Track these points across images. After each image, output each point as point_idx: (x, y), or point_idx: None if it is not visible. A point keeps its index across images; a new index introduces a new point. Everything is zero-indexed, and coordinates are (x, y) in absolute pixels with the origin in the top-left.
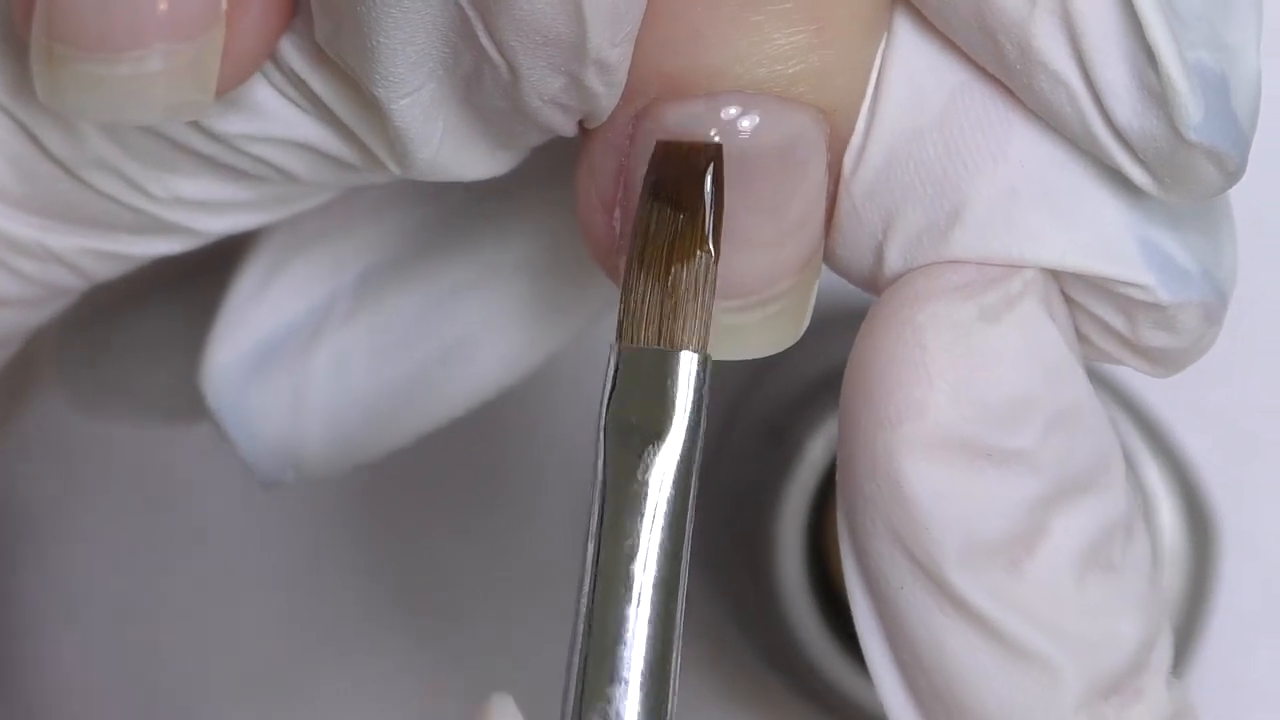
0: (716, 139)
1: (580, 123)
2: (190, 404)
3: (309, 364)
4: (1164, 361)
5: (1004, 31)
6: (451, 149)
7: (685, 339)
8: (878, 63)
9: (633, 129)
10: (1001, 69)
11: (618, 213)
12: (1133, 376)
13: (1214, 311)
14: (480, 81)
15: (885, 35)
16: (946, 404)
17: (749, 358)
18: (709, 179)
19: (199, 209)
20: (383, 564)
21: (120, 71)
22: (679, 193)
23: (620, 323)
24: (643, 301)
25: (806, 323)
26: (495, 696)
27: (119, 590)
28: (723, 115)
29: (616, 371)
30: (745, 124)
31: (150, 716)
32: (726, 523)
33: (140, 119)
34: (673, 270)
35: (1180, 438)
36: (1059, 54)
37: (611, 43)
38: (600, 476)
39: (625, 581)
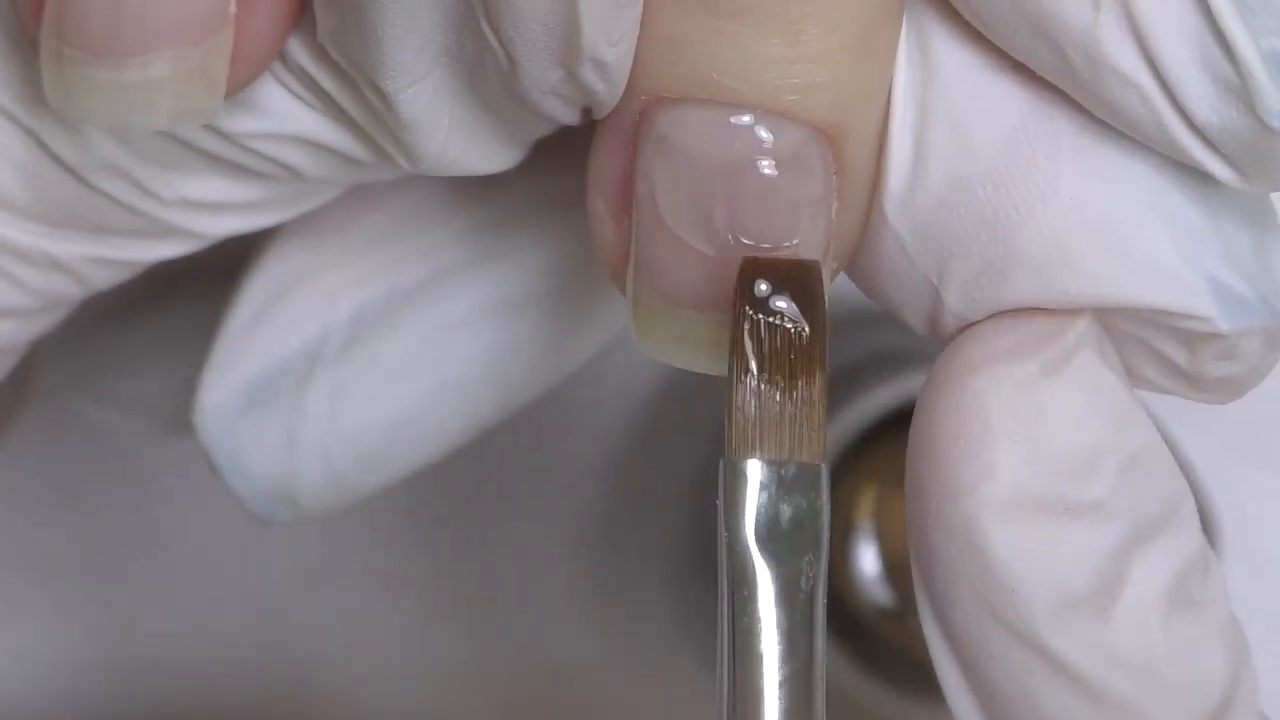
0: (814, 258)
1: (589, 113)
2: (187, 411)
3: (302, 401)
4: (1224, 391)
5: (1069, 42)
6: (459, 140)
7: (803, 450)
8: (912, 95)
9: (635, 134)
10: (1069, 80)
11: (626, 221)
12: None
13: (1274, 336)
14: (483, 70)
15: (918, 61)
16: (1018, 463)
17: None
18: (824, 298)
19: (205, 210)
20: (386, 568)
21: (129, 76)
22: (794, 303)
23: (731, 433)
24: (763, 414)
25: None
26: None
27: (117, 594)
28: (726, 122)
29: (730, 482)
30: (752, 135)
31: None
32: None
33: (148, 123)
34: (799, 383)
35: (1181, 438)
36: (1128, 56)
37: (608, 41)
38: (728, 592)
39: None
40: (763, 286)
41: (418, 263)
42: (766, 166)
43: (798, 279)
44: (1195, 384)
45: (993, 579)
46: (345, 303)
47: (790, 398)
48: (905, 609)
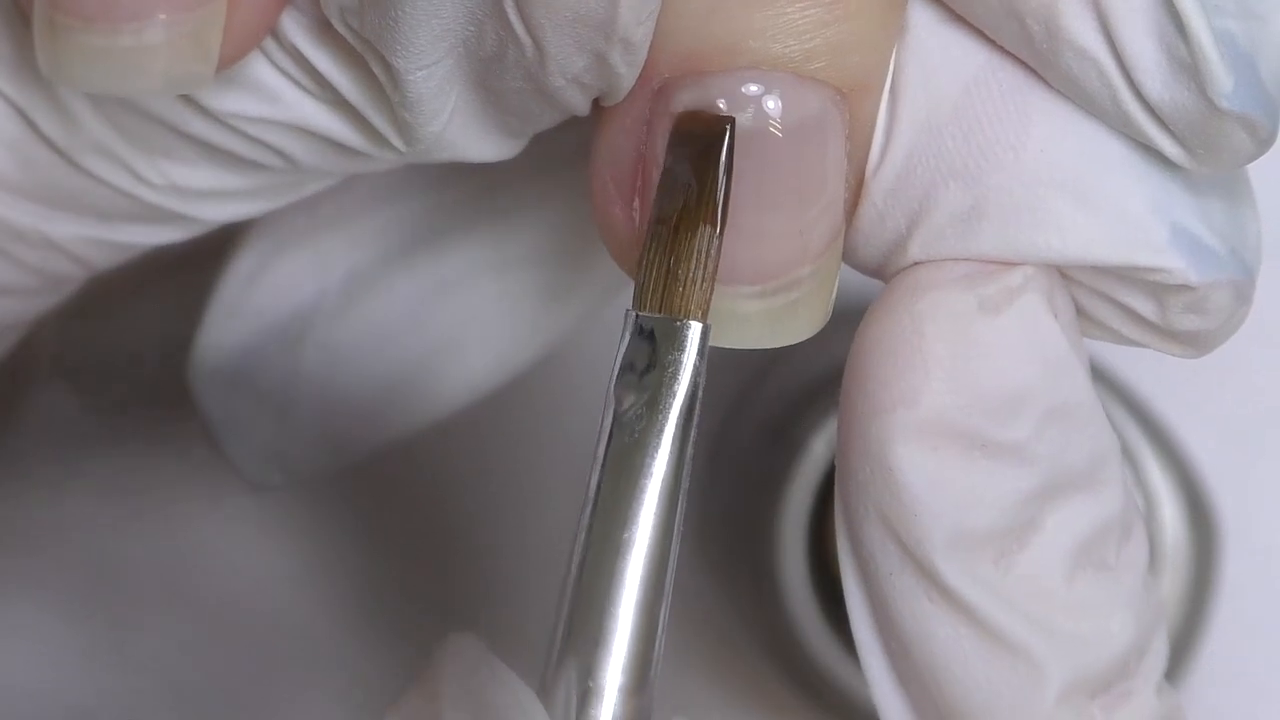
0: (726, 111)
1: (596, 101)
2: (187, 393)
3: (296, 364)
4: (1195, 343)
5: (1030, 13)
6: (460, 126)
7: (686, 308)
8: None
9: (650, 114)
10: (1028, 50)
11: (636, 202)
12: (1135, 375)
13: (1243, 290)
14: (501, 63)
15: (902, 18)
16: (941, 392)
17: (771, 346)
18: (723, 152)
19: (196, 196)
20: (382, 564)
21: (122, 42)
22: (691, 164)
23: (634, 291)
24: (651, 271)
25: (828, 312)
26: (454, 635)
27: (115, 580)
28: (743, 91)
29: (623, 339)
30: (768, 103)
31: (145, 717)
32: (729, 520)
33: (141, 90)
34: (679, 241)
35: (1182, 437)
36: (1086, 31)
37: (638, 20)
38: (603, 444)
39: (617, 547)
40: (677, 141)
41: (410, 225)
42: (789, 133)
43: (700, 135)
44: (1164, 336)
45: (898, 500)
46: (339, 264)
47: (677, 253)
48: None
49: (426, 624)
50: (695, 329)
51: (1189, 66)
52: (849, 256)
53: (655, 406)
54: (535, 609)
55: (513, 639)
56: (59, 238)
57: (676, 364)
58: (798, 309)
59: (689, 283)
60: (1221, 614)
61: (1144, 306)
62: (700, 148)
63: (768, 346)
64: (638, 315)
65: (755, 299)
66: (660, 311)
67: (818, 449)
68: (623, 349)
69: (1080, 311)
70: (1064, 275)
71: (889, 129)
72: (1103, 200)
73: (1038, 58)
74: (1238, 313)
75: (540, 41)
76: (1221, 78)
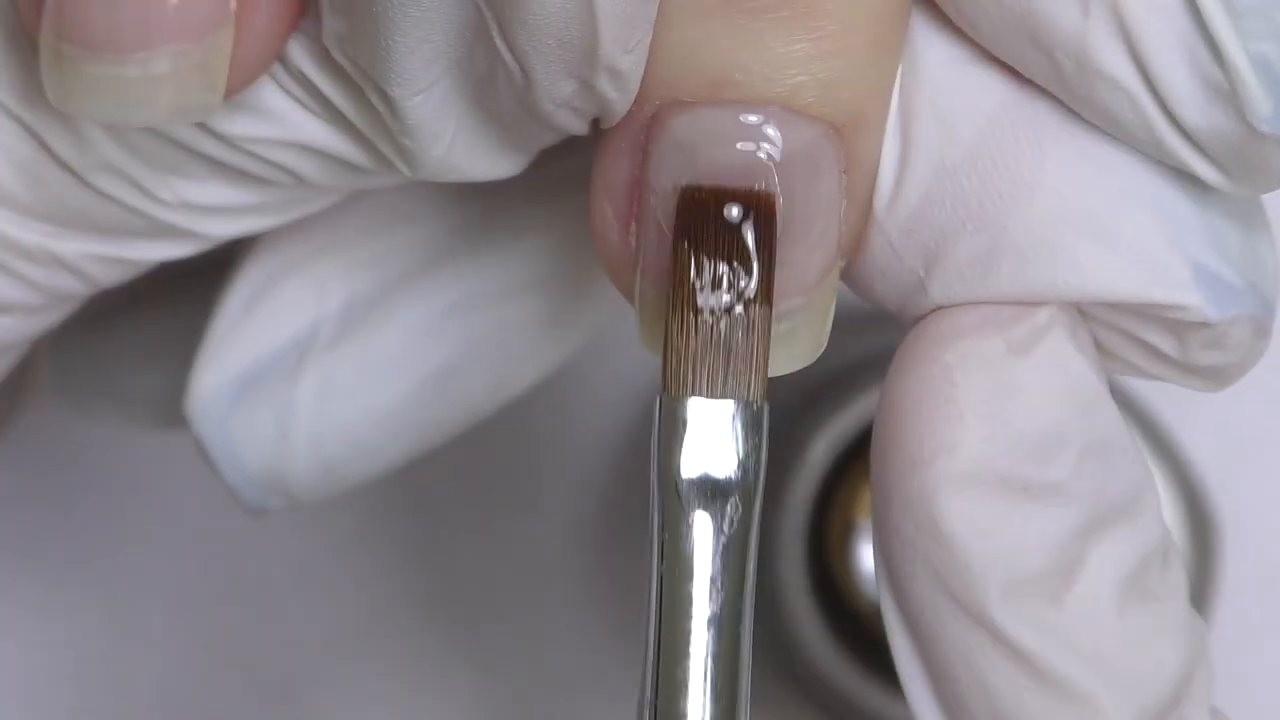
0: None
1: (596, 122)
2: (183, 405)
3: (294, 391)
4: (1215, 378)
5: (1059, 46)
6: (463, 147)
7: (742, 388)
8: (898, 90)
9: (645, 139)
10: (1058, 84)
11: (634, 227)
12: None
13: (1263, 324)
14: (494, 84)
15: (903, 55)
16: (980, 439)
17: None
18: (755, 223)
19: (206, 213)
20: (383, 567)
21: (128, 72)
22: (725, 238)
23: (667, 370)
24: (693, 348)
25: (823, 343)
26: None
27: (114, 592)
28: (737, 122)
29: (666, 421)
30: (769, 134)
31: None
32: None
33: (147, 120)
34: (742, 318)
35: (1181, 438)
36: (1118, 61)
37: (624, 49)
38: (658, 536)
39: (686, 653)
40: (706, 214)
41: (409, 252)
42: (781, 165)
43: (748, 208)
44: (1184, 371)
45: (947, 554)
46: (337, 292)
47: (732, 333)
48: None
49: (426, 623)
50: (757, 410)
51: (1225, 92)
52: (867, 295)
53: (749, 494)
54: (542, 605)
55: (512, 638)
56: (66, 255)
57: (758, 447)
58: (790, 339)
59: (751, 365)
60: (1221, 614)
61: (1164, 342)
62: (728, 222)
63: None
64: (690, 397)
65: None
66: (719, 394)
67: (815, 454)
68: (668, 431)
69: (1099, 347)
70: (1082, 312)
71: (901, 169)
72: (1122, 237)
73: (1068, 91)
74: (1257, 346)
75: (527, 67)
76: (1260, 101)
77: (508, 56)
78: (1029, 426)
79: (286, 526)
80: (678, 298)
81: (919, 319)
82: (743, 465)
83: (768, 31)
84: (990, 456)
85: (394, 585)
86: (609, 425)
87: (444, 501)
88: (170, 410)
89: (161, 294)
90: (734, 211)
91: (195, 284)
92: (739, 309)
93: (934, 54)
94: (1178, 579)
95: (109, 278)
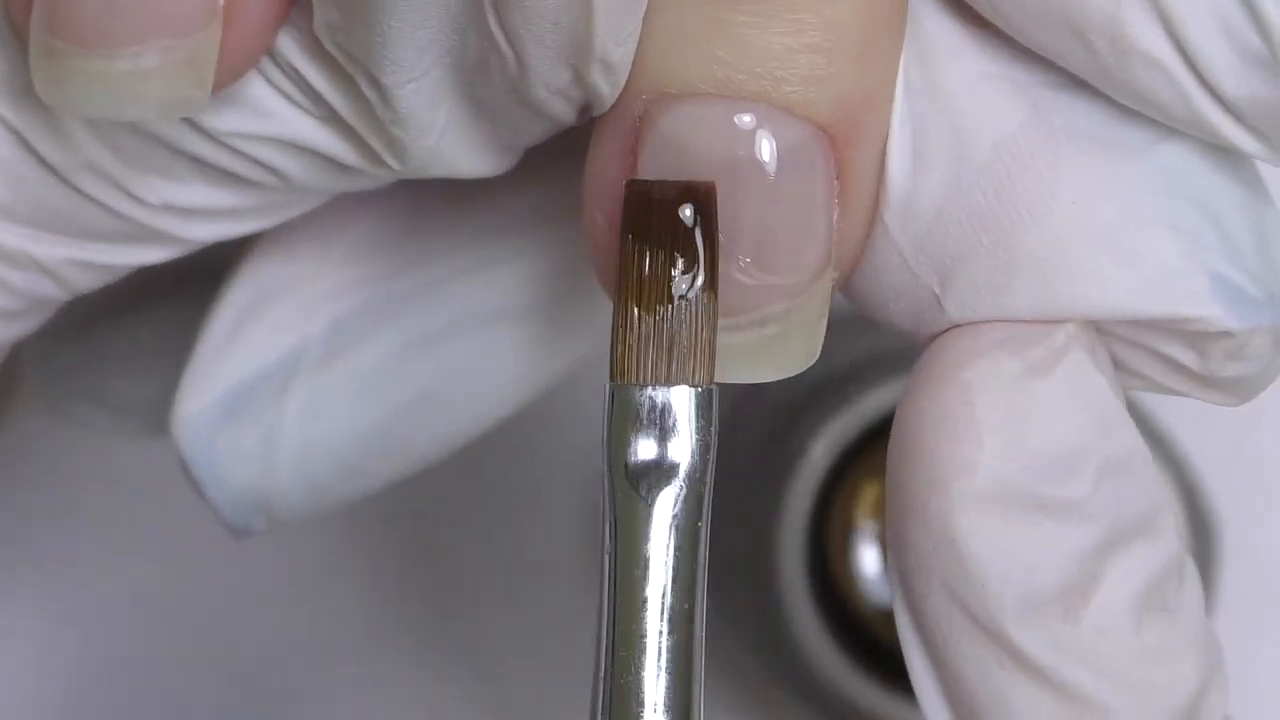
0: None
1: (585, 110)
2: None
3: (280, 412)
4: (1236, 391)
5: (1094, 29)
6: (452, 140)
7: (688, 374)
8: (911, 106)
9: (635, 141)
10: (1093, 68)
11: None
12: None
13: None
14: (486, 73)
15: (919, 73)
16: (998, 459)
17: (756, 380)
18: (697, 213)
19: (188, 216)
20: (382, 573)
21: (118, 67)
22: (667, 228)
23: (614, 359)
24: (639, 337)
25: (817, 349)
26: None
27: (109, 600)
28: (727, 121)
29: (616, 409)
30: (755, 132)
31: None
32: (727, 526)
33: (137, 115)
34: (671, 304)
35: (1181, 439)
36: (1154, 38)
37: (616, 40)
38: (610, 522)
39: (640, 637)
40: (648, 207)
41: (396, 275)
42: (768, 163)
43: (688, 199)
44: (1205, 385)
45: (964, 572)
46: (323, 314)
47: (678, 320)
48: None
49: (426, 623)
50: (699, 394)
51: (1264, 59)
52: (882, 315)
53: (697, 478)
54: (539, 607)
55: (512, 638)
56: (44, 259)
57: (706, 430)
58: (777, 343)
59: (697, 351)
60: (1221, 615)
61: (1184, 356)
62: (670, 211)
63: (753, 381)
64: (634, 384)
65: (728, 333)
66: (663, 380)
67: (815, 455)
68: (615, 419)
69: (1118, 364)
70: (1100, 328)
71: (914, 182)
72: (1139, 252)
73: (1104, 75)
74: (1277, 358)
75: (521, 54)
76: None
77: (502, 41)
78: (1048, 446)
79: (284, 532)
80: (623, 288)
81: (935, 337)
82: (691, 449)
83: (749, 24)
84: (1008, 476)
85: (393, 591)
86: None
87: (443, 507)
88: (158, 417)
89: (148, 300)
90: (674, 202)
91: (183, 290)
92: (682, 296)
93: (951, 70)
94: (1194, 594)
95: (86, 284)
